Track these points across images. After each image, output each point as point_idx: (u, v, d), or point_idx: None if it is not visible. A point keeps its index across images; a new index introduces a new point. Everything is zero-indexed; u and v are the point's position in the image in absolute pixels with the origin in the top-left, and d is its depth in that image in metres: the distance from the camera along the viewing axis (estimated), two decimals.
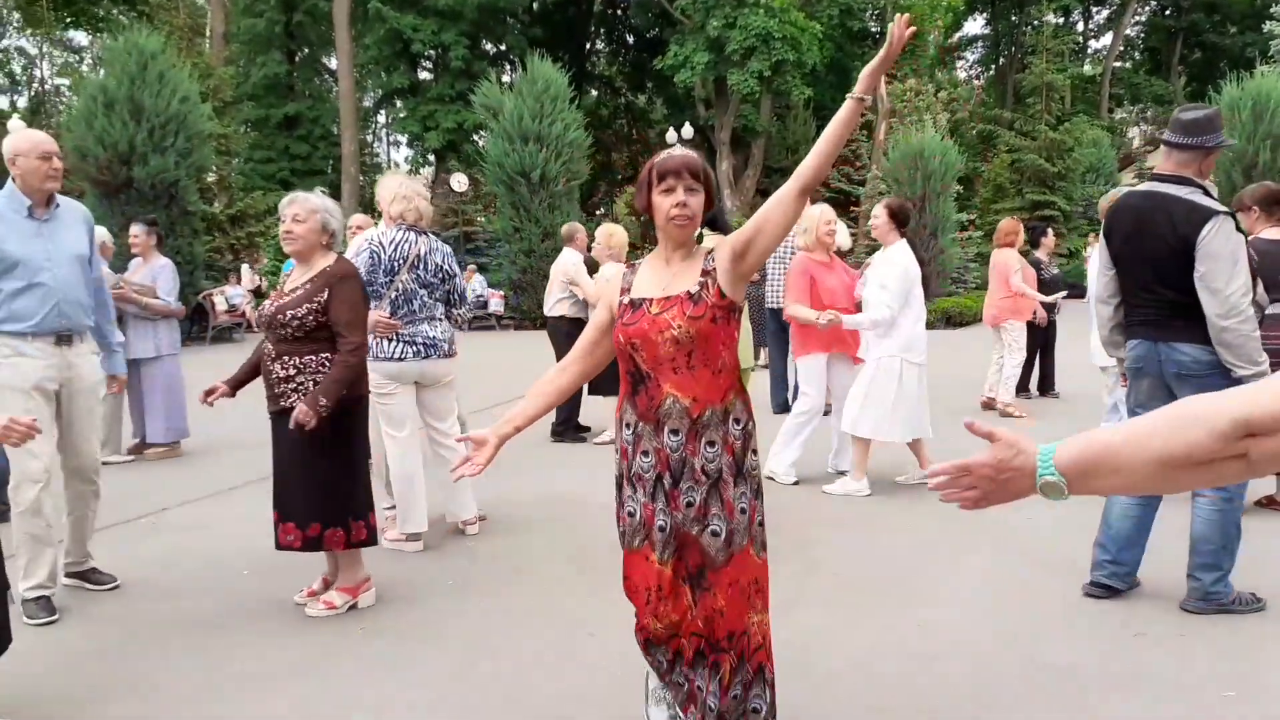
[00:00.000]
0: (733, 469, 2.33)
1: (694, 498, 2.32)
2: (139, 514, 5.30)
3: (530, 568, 4.28)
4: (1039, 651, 3.24)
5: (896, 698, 2.91)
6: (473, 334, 18.36)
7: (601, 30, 37.85)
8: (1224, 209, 3.35)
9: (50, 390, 3.75)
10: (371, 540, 3.77)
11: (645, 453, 2.36)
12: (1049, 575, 3.99)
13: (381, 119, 41.89)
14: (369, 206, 24.32)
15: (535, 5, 33.71)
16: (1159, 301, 3.50)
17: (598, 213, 31.22)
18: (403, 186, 4.54)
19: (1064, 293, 8.74)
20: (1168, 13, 40.50)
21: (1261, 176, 15.96)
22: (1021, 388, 8.78)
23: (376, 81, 34.79)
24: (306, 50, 35.13)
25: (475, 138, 28.51)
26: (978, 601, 3.74)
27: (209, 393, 3.73)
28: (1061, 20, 37.51)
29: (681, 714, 2.46)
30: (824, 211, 5.83)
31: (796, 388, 6.22)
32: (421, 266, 4.46)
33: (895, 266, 5.33)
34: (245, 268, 19.51)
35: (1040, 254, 8.90)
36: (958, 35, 40.78)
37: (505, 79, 30.11)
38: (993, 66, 41.70)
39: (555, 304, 7.30)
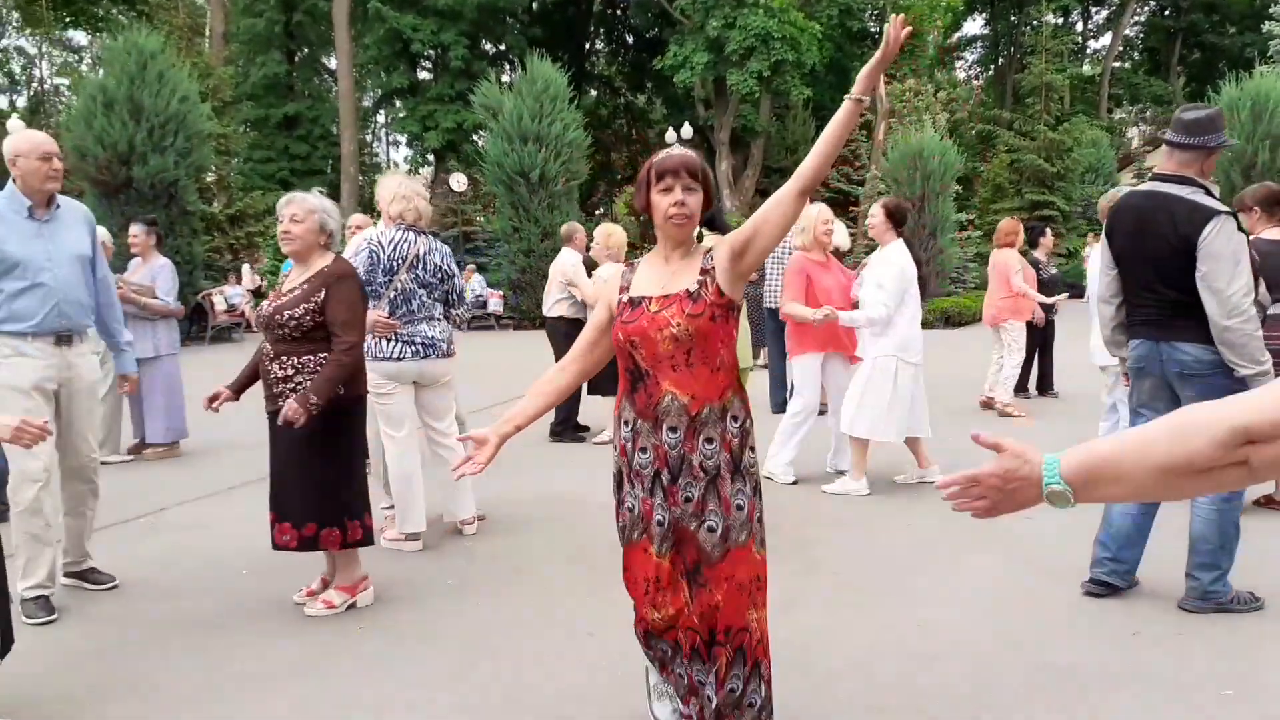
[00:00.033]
0: (730, 466, 2.35)
1: (692, 493, 2.33)
2: (138, 514, 5.30)
3: (530, 567, 4.28)
4: (1038, 651, 3.24)
5: (896, 697, 2.92)
6: (472, 334, 18.37)
7: (601, 30, 37.84)
8: (1226, 209, 3.36)
9: (50, 390, 3.75)
10: (367, 540, 3.77)
11: (644, 449, 2.38)
12: (1048, 575, 3.99)
13: (381, 119, 41.90)
14: (368, 206, 24.34)
15: (535, 5, 33.69)
16: (1161, 301, 3.50)
17: (597, 213, 31.20)
18: (402, 186, 4.54)
19: (1065, 294, 8.75)
20: (1167, 13, 40.51)
21: (1260, 176, 15.97)
22: (1020, 387, 8.78)
23: (376, 81, 34.77)
24: (306, 50, 35.12)
25: (475, 138, 28.50)
26: (977, 601, 3.74)
27: (212, 399, 3.72)
28: (1061, 20, 37.53)
29: (683, 705, 2.48)
30: (821, 211, 5.83)
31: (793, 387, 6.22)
32: (420, 266, 4.46)
33: (892, 266, 5.34)
34: (246, 267, 19.52)
35: (1038, 254, 8.91)
36: (957, 35, 40.78)
37: (505, 79, 30.07)
38: (992, 66, 41.71)
39: (554, 305, 7.29)
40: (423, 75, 32.66)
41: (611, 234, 6.86)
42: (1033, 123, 29.47)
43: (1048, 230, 9.38)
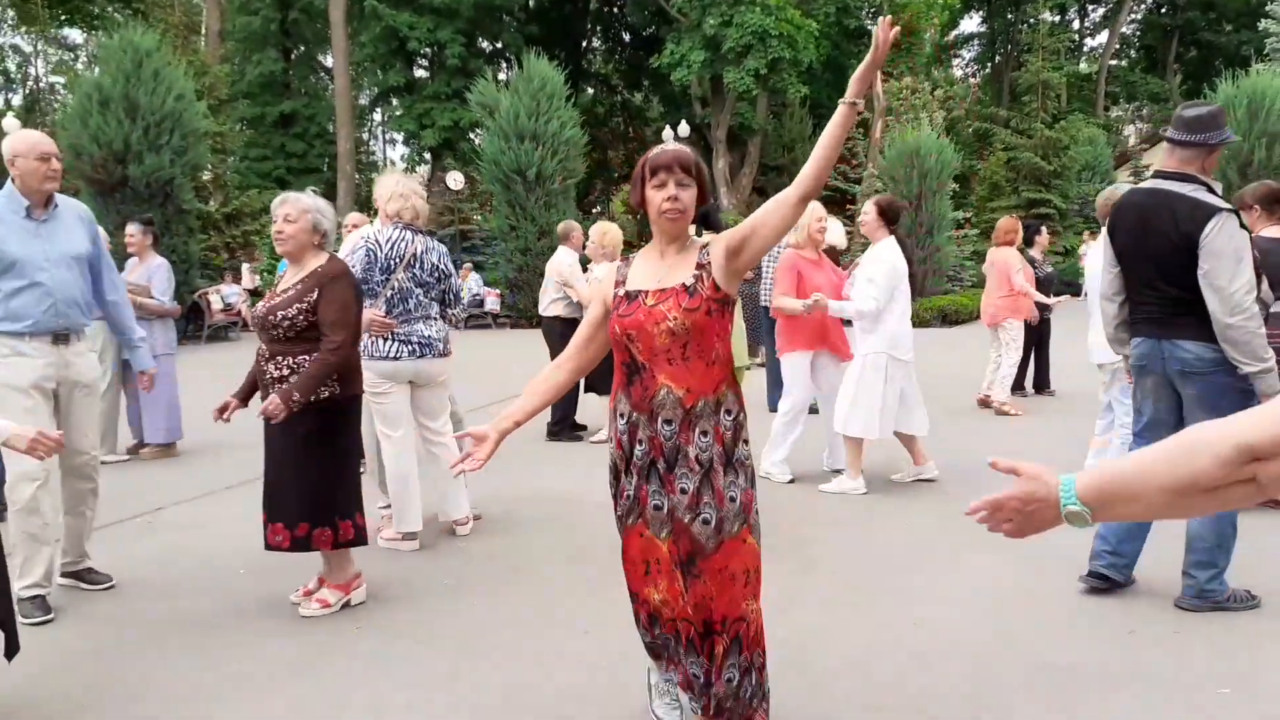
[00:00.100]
0: (723, 458, 2.38)
1: (687, 485, 2.36)
2: (134, 514, 5.29)
3: (528, 567, 4.28)
4: (1036, 650, 3.24)
5: (894, 697, 2.92)
6: (469, 332, 18.36)
7: (598, 28, 37.80)
8: (1227, 206, 3.35)
9: (48, 389, 3.75)
10: (360, 540, 3.76)
11: (640, 441, 2.40)
12: (1046, 574, 3.99)
13: (377, 117, 41.85)
14: (365, 205, 24.29)
15: (531, 3, 33.65)
16: (1162, 299, 3.50)
17: (594, 211, 31.19)
18: (400, 185, 4.53)
19: (1066, 295, 8.76)
20: (1163, 11, 40.57)
21: (1257, 174, 15.99)
22: (1017, 386, 8.79)
23: (372, 79, 34.70)
24: (302, 48, 35.04)
25: (471, 136, 28.45)
26: (975, 600, 3.74)
27: (222, 410, 3.70)
28: (1057, 18, 37.60)
29: (684, 694, 2.51)
30: (815, 208, 5.82)
31: None
32: (418, 265, 4.45)
33: (883, 263, 5.35)
34: (245, 267, 19.49)
35: (1035, 252, 8.92)
36: (954, 33, 40.85)
37: (501, 77, 29.99)
38: (989, 64, 41.75)
39: (550, 304, 7.28)
40: (419, 73, 32.63)
41: (607, 232, 6.85)
42: (1029, 120, 29.51)
43: (1043, 228, 9.38)
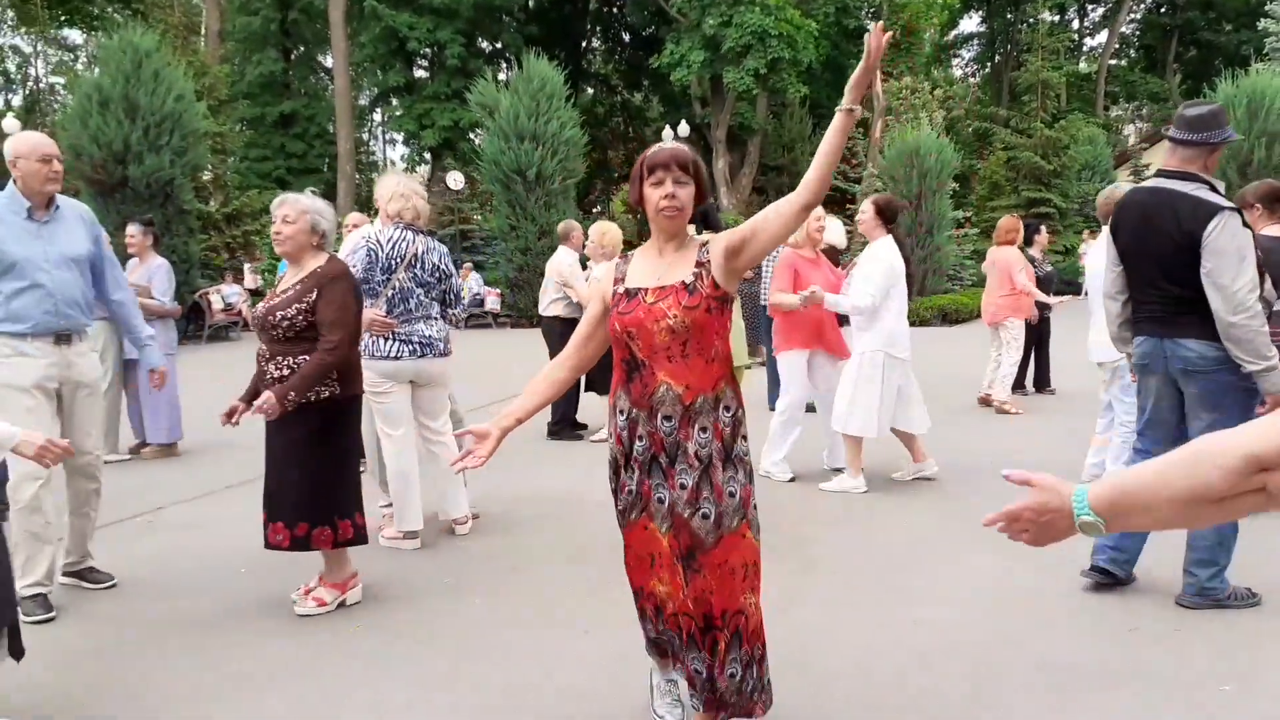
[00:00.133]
0: (722, 454, 2.40)
1: (687, 480, 2.38)
2: (135, 513, 5.29)
3: (527, 566, 4.28)
4: (1036, 649, 3.24)
5: (894, 696, 2.92)
6: (469, 331, 18.36)
7: (597, 28, 37.80)
8: (1230, 204, 3.35)
9: (51, 389, 3.76)
10: (360, 539, 3.76)
11: (640, 437, 2.42)
12: (1046, 573, 3.99)
13: (377, 117, 41.83)
14: (365, 205, 24.33)
15: (531, 3, 33.63)
16: (1165, 298, 3.50)
17: (594, 210, 31.19)
18: (401, 185, 4.53)
19: (1069, 295, 8.75)
20: (1162, 10, 40.56)
21: (1257, 173, 15.99)
22: (1017, 385, 8.79)
23: (372, 79, 34.69)
24: (302, 48, 35.02)
25: (471, 136, 28.44)
26: (975, 599, 3.74)
27: (230, 414, 3.68)
28: (1057, 18, 37.57)
29: (688, 691, 2.52)
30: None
31: None
32: (418, 265, 4.45)
33: (880, 262, 5.36)
34: (247, 266, 19.49)
35: (1034, 251, 8.91)
36: (953, 33, 40.87)
37: (501, 77, 29.98)
38: (988, 64, 41.74)
39: (550, 304, 7.27)
40: (419, 73, 32.62)
41: (606, 232, 6.84)
42: (1029, 120, 29.49)
43: (1043, 228, 9.38)
